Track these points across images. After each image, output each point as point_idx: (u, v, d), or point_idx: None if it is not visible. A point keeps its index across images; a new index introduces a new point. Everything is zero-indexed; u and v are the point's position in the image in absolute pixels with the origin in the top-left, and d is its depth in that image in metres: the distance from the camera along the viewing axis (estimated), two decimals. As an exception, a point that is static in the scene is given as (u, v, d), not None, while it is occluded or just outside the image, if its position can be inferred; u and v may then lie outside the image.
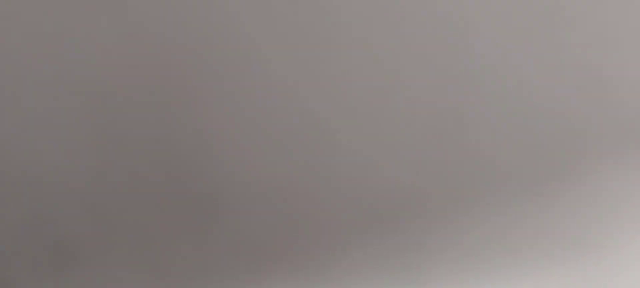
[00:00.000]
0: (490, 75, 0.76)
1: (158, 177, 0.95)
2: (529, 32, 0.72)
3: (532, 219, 0.83)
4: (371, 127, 0.85)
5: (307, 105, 0.80)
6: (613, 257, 0.75)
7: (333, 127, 0.85)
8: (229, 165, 0.95)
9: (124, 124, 0.87)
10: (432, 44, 0.75)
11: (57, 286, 1.04)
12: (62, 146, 0.93)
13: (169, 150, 0.94)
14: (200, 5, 0.72)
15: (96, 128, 0.86)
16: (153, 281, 1.05)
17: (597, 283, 0.76)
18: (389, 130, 0.84)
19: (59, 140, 0.92)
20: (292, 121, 0.82)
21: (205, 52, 0.76)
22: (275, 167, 0.95)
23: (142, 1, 0.73)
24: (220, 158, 0.93)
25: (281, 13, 0.72)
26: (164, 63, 0.78)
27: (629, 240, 0.75)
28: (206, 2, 0.71)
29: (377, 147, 0.87)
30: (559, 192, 0.84)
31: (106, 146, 0.91)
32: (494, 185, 0.85)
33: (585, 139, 0.78)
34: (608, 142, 0.75)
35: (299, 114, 0.82)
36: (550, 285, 0.79)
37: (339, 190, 0.94)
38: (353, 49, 0.75)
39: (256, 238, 1.01)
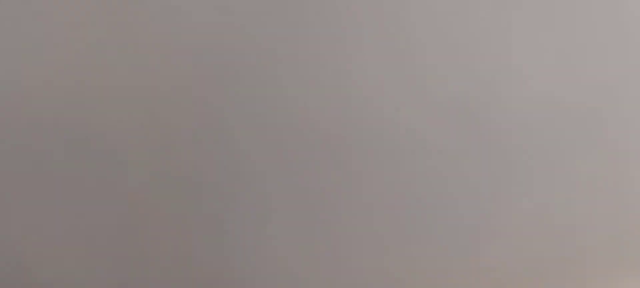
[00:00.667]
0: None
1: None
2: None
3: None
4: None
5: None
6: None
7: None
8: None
9: (144, 243, 0.87)
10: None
11: None
12: (86, 265, 0.92)
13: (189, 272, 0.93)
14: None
15: (117, 246, 0.85)
16: None
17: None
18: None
19: (83, 260, 0.90)
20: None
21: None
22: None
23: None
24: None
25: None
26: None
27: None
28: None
29: None
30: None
31: (127, 265, 0.90)
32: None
33: None
34: None
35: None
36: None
37: None
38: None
39: None
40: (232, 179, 0.79)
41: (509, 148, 0.77)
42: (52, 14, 0.73)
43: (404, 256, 0.83)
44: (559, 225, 0.82)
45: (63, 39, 0.75)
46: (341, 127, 0.77)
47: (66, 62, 0.76)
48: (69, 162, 0.78)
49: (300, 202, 0.82)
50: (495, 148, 0.78)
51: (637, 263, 0.83)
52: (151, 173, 0.80)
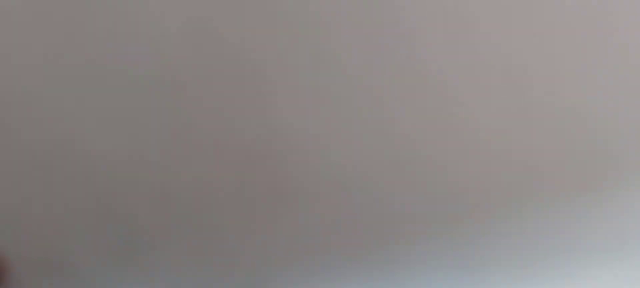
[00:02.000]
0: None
1: (229, 171, 0.95)
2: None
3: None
4: (444, 127, 0.85)
5: (383, 105, 0.81)
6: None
7: (407, 125, 0.84)
8: (303, 159, 0.96)
9: (195, 119, 0.89)
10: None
11: (130, 274, 1.09)
12: (133, 141, 0.96)
13: (242, 145, 0.95)
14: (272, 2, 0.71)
15: (167, 123, 0.87)
16: (221, 271, 1.06)
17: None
18: (461, 130, 0.85)
19: (131, 136, 0.95)
20: (367, 117, 0.83)
21: (279, 46, 0.76)
22: (349, 161, 0.96)
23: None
24: (295, 153, 0.94)
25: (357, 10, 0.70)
26: (236, 59, 0.78)
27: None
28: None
29: (450, 146, 0.88)
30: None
31: (177, 141, 0.93)
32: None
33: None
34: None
35: (374, 111, 0.82)
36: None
37: (411, 186, 0.94)
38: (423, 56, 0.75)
39: (328, 231, 1.00)
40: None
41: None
42: None
43: None
44: None
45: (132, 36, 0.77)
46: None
47: None
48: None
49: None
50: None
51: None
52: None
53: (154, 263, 1.22)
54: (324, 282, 1.16)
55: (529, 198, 0.96)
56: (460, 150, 0.96)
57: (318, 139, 0.97)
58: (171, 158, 1.06)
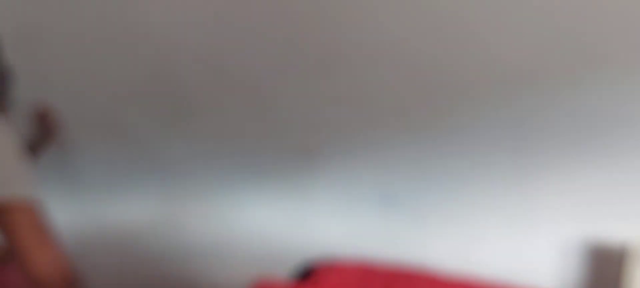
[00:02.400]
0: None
1: (274, 33, 0.98)
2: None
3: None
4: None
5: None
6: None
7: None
8: (345, 26, 0.98)
9: None
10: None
11: (178, 133, 1.17)
12: (187, 11, 0.98)
13: (287, 8, 0.97)
14: None
15: None
16: (265, 130, 1.13)
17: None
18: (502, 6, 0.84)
19: (184, 5, 0.97)
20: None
21: None
22: (389, 31, 0.97)
23: None
24: (337, 20, 0.96)
25: None
26: None
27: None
28: None
29: (489, 23, 0.88)
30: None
31: (229, 9, 0.95)
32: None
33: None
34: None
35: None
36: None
37: (469, 60, 0.96)
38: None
39: (366, 97, 1.05)
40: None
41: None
42: None
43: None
44: None
45: None
46: None
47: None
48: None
49: None
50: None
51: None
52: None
53: (207, 127, 1.28)
54: (372, 148, 1.19)
55: (588, 74, 0.97)
56: (518, 27, 0.96)
57: (370, 4, 0.96)
58: (223, 26, 1.08)
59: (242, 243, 1.38)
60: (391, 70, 1.07)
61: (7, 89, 0.85)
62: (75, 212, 1.56)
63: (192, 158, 1.36)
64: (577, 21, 0.91)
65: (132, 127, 1.31)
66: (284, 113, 1.21)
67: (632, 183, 1.07)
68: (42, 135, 1.29)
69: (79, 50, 1.16)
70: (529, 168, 1.12)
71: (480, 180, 1.15)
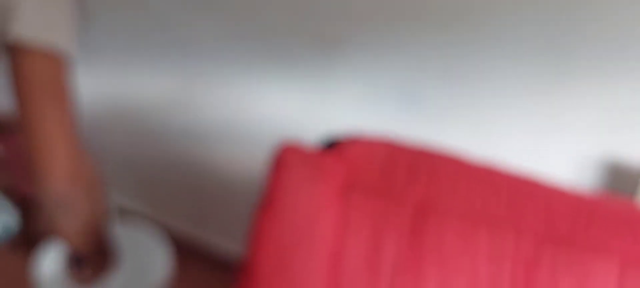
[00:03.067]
0: None
1: None
2: None
3: None
4: None
5: None
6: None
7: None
8: None
9: None
10: None
11: (199, 10, 1.21)
12: None
13: None
14: None
15: None
16: (287, 14, 1.24)
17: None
18: None
19: None
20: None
21: None
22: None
23: None
24: None
25: None
26: None
27: None
28: None
29: None
30: None
31: None
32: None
33: None
34: None
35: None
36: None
37: None
38: None
39: None
40: None
41: None
42: None
43: None
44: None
45: None
46: None
47: None
48: None
49: None
50: None
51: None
52: None
53: (230, 7, 1.26)
54: (395, 42, 1.18)
55: None
56: None
57: None
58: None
59: (257, 126, 1.38)
60: None
61: None
62: (89, 84, 1.54)
63: (212, 37, 1.34)
64: None
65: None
66: (312, 2, 1.19)
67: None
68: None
69: None
70: (556, 75, 1.10)
71: (504, 82, 1.14)
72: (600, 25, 1.02)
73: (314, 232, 0.82)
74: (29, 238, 0.75)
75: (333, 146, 0.91)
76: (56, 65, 0.62)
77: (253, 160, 1.40)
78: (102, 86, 1.53)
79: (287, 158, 0.86)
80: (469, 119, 1.19)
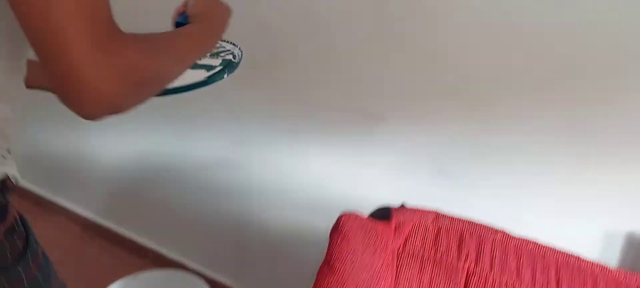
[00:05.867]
0: None
1: (360, 7, 1.00)
2: None
3: None
4: None
5: None
6: None
7: None
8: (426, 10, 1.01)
9: None
10: None
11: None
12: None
13: None
14: None
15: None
16: (334, 90, 1.32)
17: None
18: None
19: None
20: None
21: None
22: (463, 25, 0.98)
23: None
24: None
25: None
26: None
27: None
28: None
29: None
30: None
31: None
32: None
33: None
34: None
35: None
36: None
37: (513, 51, 1.01)
38: None
39: (430, 72, 1.05)
40: None
41: None
42: None
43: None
44: None
45: None
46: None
47: None
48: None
49: None
50: None
51: None
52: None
53: (283, 78, 1.35)
54: (432, 120, 1.26)
55: None
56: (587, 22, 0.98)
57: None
58: None
59: (299, 190, 1.46)
60: (457, 51, 1.14)
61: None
62: (151, 142, 1.65)
63: (265, 110, 1.45)
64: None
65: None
66: (354, 76, 1.30)
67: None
68: None
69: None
70: (577, 156, 1.16)
71: (529, 159, 1.21)
72: (616, 113, 1.10)
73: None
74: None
75: (387, 215, 1.01)
76: None
77: (297, 221, 1.50)
78: (164, 146, 1.64)
79: (347, 226, 0.96)
80: (496, 193, 1.26)
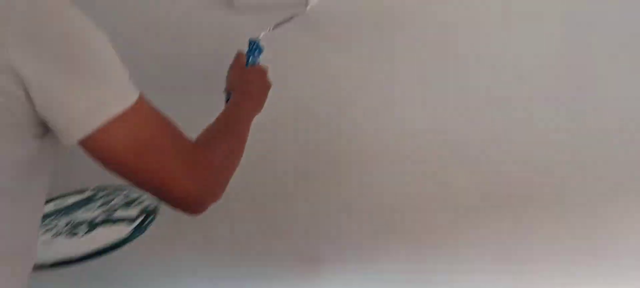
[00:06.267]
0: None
1: (286, 146, 1.06)
2: None
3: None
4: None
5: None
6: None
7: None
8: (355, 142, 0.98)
9: None
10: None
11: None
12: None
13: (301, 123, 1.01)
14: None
15: None
16: (274, 237, 1.25)
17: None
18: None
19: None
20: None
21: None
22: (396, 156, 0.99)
23: None
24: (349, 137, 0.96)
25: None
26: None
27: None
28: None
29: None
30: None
31: None
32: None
33: None
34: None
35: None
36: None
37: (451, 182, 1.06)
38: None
39: (370, 211, 1.17)
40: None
41: None
42: None
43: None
44: None
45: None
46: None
47: None
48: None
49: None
50: None
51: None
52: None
53: (217, 233, 1.27)
54: (375, 259, 1.23)
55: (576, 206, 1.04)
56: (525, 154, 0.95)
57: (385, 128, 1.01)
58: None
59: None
60: (396, 188, 1.12)
61: None
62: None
63: (202, 264, 1.35)
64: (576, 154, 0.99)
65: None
66: (291, 221, 1.24)
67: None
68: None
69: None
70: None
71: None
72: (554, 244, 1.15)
73: None
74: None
75: None
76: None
77: None
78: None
79: None
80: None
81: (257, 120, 0.73)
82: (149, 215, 0.74)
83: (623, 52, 0.80)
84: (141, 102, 0.51)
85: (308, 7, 0.77)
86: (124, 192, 0.83)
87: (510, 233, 1.14)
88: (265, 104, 0.77)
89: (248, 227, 1.28)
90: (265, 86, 0.81)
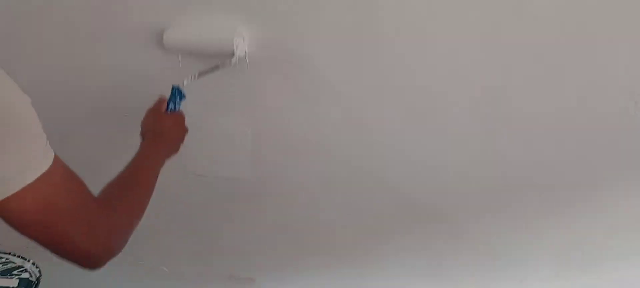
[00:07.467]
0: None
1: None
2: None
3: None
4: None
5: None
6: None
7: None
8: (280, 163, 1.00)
9: None
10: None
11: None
12: None
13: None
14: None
15: None
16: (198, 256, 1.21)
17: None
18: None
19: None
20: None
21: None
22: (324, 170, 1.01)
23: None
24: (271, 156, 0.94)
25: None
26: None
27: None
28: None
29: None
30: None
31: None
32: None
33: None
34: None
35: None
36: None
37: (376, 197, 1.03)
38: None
39: (298, 227, 1.15)
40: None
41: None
42: None
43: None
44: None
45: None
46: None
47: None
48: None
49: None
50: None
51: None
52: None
53: (144, 253, 1.23)
54: (305, 277, 1.25)
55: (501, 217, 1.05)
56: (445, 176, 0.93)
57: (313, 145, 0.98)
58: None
59: None
60: (324, 203, 1.10)
61: None
62: None
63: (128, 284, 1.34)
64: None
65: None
66: (217, 239, 1.22)
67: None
68: None
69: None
70: None
71: None
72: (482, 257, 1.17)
73: None
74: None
75: None
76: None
77: None
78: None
79: None
80: None
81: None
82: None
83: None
84: (55, 165, 0.53)
85: (234, 59, 0.79)
86: (2, 260, 0.82)
87: (432, 250, 1.17)
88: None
89: (180, 247, 1.25)
90: (182, 131, 0.83)
